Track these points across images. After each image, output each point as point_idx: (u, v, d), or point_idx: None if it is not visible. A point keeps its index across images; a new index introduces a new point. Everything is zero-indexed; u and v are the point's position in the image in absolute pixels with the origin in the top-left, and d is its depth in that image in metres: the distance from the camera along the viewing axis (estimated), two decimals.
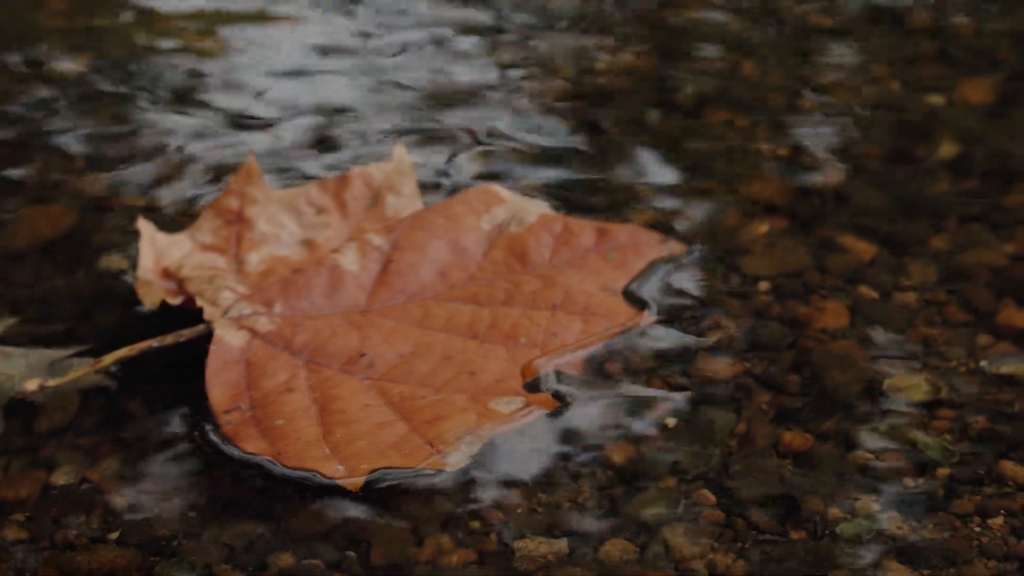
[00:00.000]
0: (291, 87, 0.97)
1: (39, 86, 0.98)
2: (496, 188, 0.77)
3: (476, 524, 0.61)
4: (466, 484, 0.63)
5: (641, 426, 0.66)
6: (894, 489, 0.62)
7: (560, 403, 0.67)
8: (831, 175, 0.84)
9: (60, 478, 0.64)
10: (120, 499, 0.63)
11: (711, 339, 0.71)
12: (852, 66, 0.97)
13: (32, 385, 0.68)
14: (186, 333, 0.70)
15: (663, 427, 0.66)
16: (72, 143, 0.90)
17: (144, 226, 0.76)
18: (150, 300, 0.73)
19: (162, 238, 0.76)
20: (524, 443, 0.65)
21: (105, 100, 0.95)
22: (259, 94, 0.96)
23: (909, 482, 0.63)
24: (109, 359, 0.69)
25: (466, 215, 0.76)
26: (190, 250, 0.75)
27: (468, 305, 0.72)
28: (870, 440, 0.65)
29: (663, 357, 0.70)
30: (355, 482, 0.61)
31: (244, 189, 0.77)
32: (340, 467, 0.62)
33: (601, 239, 0.75)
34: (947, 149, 0.86)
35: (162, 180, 0.85)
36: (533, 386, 0.67)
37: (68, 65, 1.00)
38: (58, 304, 0.75)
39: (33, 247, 0.79)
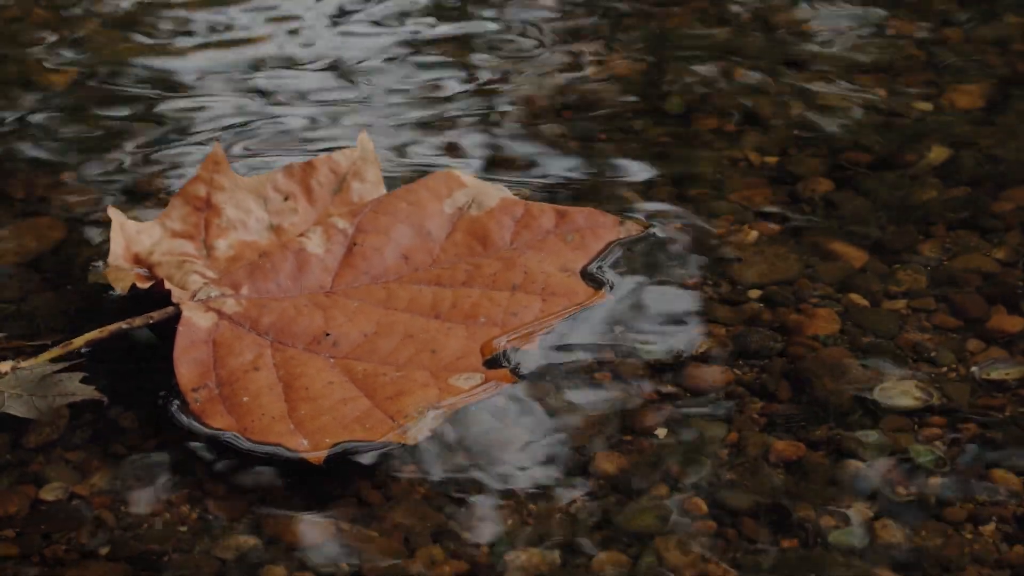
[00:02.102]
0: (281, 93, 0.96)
1: (25, 98, 0.95)
2: (458, 173, 0.77)
3: (467, 535, 0.60)
4: (458, 495, 0.61)
5: (632, 433, 0.65)
6: (886, 497, 0.61)
7: (518, 378, 0.67)
8: (821, 182, 0.82)
9: (49, 493, 0.62)
10: (109, 513, 0.61)
11: (702, 347, 0.69)
12: (841, 72, 0.95)
13: (4, 367, 0.67)
14: (155, 315, 0.69)
15: (654, 436, 0.64)
16: (60, 156, 0.88)
17: (114, 214, 0.75)
18: (121, 285, 0.72)
19: (132, 225, 0.75)
20: (511, 453, 0.64)
21: (92, 112, 0.93)
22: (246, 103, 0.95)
23: (901, 490, 0.61)
24: (80, 341, 0.68)
25: (429, 200, 0.76)
26: (160, 237, 0.75)
27: (430, 286, 0.72)
28: (861, 448, 0.63)
29: (653, 365, 0.69)
30: (318, 455, 0.62)
31: (212, 176, 0.77)
32: (304, 441, 0.62)
33: (561, 221, 0.75)
34: (936, 155, 0.84)
35: (150, 192, 0.83)
36: (493, 363, 0.67)
37: (53, 77, 0.98)
38: (46, 318, 0.73)
39: (21, 261, 0.78)
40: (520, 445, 0.64)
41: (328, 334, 0.69)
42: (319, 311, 0.70)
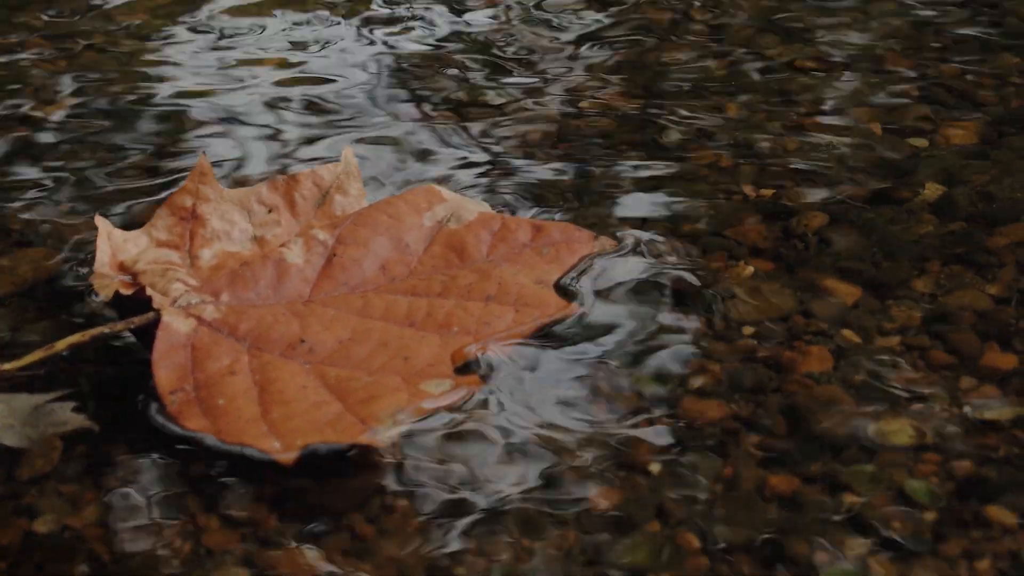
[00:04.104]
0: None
1: (19, 128, 0.95)
2: (438, 187, 0.78)
3: (461, 570, 0.58)
4: (452, 529, 0.60)
5: (625, 468, 0.63)
6: (881, 533, 0.59)
7: (486, 383, 0.66)
8: (815, 217, 0.81)
9: (42, 525, 0.61)
10: (102, 545, 0.60)
11: (696, 381, 0.68)
12: (835, 107, 0.94)
13: None
14: (136, 320, 0.69)
15: (647, 471, 0.63)
16: (54, 185, 0.87)
17: (101, 223, 0.75)
18: (105, 292, 0.73)
19: (119, 234, 0.76)
20: (505, 486, 0.62)
21: (87, 142, 0.92)
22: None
23: (896, 526, 0.59)
24: (62, 344, 0.68)
25: (408, 213, 0.76)
26: (146, 246, 0.76)
27: (406, 296, 0.72)
28: (856, 484, 0.61)
29: (647, 398, 0.67)
30: (289, 457, 0.61)
31: (197, 188, 0.77)
32: (277, 443, 0.62)
33: (537, 235, 0.76)
34: (930, 191, 0.83)
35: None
36: (464, 370, 0.68)
37: (49, 108, 0.97)
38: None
39: (15, 291, 0.77)
40: (514, 478, 0.63)
41: (304, 340, 0.69)
42: (296, 319, 0.71)
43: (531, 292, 0.72)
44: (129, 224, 0.82)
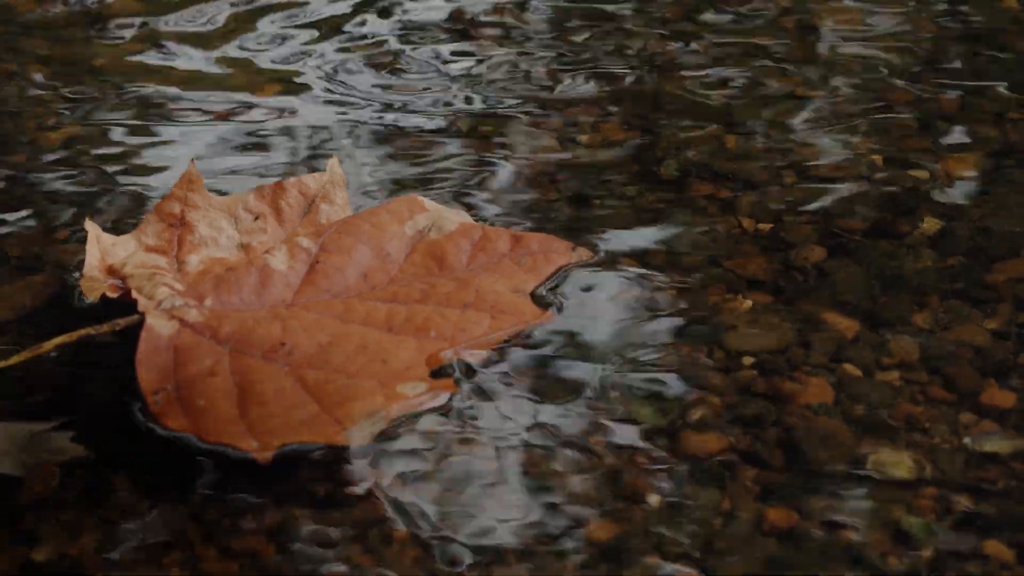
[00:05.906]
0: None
1: (20, 155, 0.94)
2: (420, 198, 0.78)
3: None
4: (451, 562, 0.59)
5: (623, 500, 0.63)
6: (879, 568, 0.58)
7: (459, 388, 0.68)
8: (814, 250, 0.80)
9: (41, 554, 0.60)
10: (101, 575, 0.59)
11: (695, 414, 0.67)
12: (835, 139, 0.94)
13: None
14: (121, 322, 0.69)
15: (645, 503, 0.62)
16: (54, 212, 0.87)
17: (91, 226, 0.77)
18: (93, 294, 0.74)
19: (108, 238, 0.77)
20: (504, 515, 0.62)
21: (88, 169, 0.92)
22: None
23: (893, 561, 0.58)
24: (49, 345, 0.68)
25: (391, 222, 0.77)
26: (134, 250, 0.76)
27: (386, 303, 0.73)
28: (854, 518, 0.60)
29: (646, 431, 0.66)
30: (266, 456, 0.63)
31: (186, 195, 0.78)
32: (254, 442, 0.63)
33: (516, 245, 0.77)
34: (930, 225, 0.82)
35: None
36: (440, 373, 0.68)
37: (50, 134, 0.97)
38: (39, 375, 0.71)
39: (14, 318, 0.76)
40: (510, 509, 0.62)
41: (284, 344, 0.70)
42: (278, 322, 0.71)
43: (507, 300, 0.74)
44: (120, 229, 0.81)
